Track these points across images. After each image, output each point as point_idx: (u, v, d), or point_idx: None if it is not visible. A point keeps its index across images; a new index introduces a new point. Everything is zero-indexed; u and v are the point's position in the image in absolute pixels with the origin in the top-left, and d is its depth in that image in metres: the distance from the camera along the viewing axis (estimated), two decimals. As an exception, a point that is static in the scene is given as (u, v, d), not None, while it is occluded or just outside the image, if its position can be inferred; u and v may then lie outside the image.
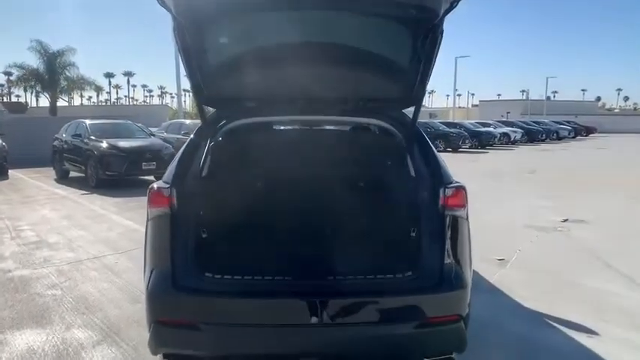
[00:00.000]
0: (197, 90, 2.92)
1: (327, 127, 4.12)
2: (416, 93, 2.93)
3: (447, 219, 2.60)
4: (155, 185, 2.68)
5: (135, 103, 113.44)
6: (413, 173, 2.90)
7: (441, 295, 2.46)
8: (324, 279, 2.55)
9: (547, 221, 7.45)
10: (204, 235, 2.77)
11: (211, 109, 3.28)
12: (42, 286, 4.61)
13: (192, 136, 3.03)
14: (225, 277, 2.50)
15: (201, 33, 2.67)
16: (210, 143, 3.00)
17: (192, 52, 2.69)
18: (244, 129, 3.33)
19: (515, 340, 3.49)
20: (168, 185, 2.64)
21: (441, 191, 2.63)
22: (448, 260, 2.52)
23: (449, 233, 2.58)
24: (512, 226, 7.05)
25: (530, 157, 21.19)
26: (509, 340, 3.49)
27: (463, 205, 2.66)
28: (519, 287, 4.50)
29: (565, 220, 7.50)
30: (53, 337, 3.48)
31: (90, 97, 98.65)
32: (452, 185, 2.68)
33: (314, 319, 2.32)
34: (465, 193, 2.69)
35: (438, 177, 2.74)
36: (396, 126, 3.11)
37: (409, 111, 3.15)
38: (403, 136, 3.06)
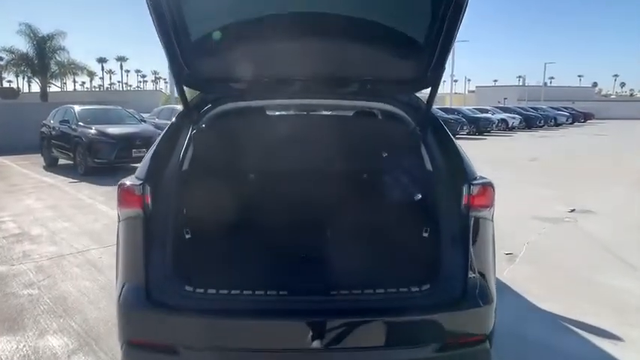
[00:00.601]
0: (176, 68, 2.50)
1: (329, 113, 3.68)
2: (432, 73, 2.52)
3: (472, 221, 2.23)
4: (125, 182, 2.29)
5: (128, 88, 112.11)
6: (430, 167, 2.52)
7: (464, 313, 2.10)
8: (326, 294, 2.16)
9: (553, 211, 7.16)
10: (183, 242, 2.41)
11: (194, 92, 2.88)
12: (18, 284, 4.26)
13: (170, 123, 2.66)
14: (209, 291, 2.13)
15: None
16: (192, 131, 2.61)
17: (169, 20, 2.27)
18: (233, 114, 2.93)
19: (535, 348, 3.18)
20: (140, 182, 2.24)
21: (465, 189, 2.25)
22: (472, 270, 2.16)
23: (473, 238, 2.21)
24: (519, 217, 6.75)
25: (529, 144, 20.88)
26: (528, 348, 3.17)
27: (490, 204, 2.31)
28: (532, 285, 4.20)
29: (572, 211, 7.23)
30: (24, 346, 3.15)
31: (83, 83, 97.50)
32: (478, 182, 2.30)
33: (315, 343, 1.95)
34: (493, 190, 2.33)
35: (461, 171, 2.35)
36: (408, 111, 2.72)
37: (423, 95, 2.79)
38: (417, 124, 2.68)
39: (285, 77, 2.70)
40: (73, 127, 11.46)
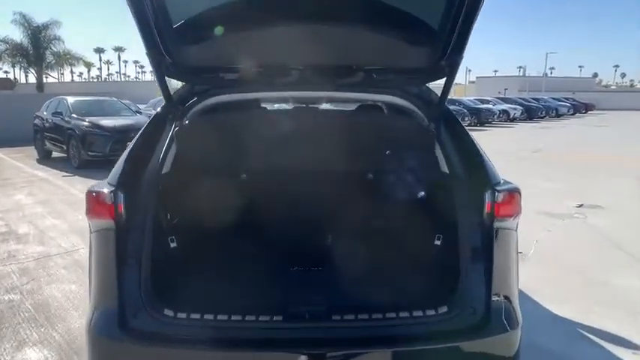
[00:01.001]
0: (155, 57, 2.18)
1: (330, 107, 3.41)
2: (448, 61, 2.23)
3: (496, 233, 1.96)
4: (94, 188, 2.02)
5: (127, 79, 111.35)
6: (446, 169, 2.26)
7: (489, 340, 1.84)
8: (328, 320, 1.89)
9: (561, 206, 6.92)
10: (164, 256, 2.15)
11: (178, 84, 2.60)
12: None
13: (150, 119, 2.39)
14: (193, 316, 1.85)
15: None
16: (174, 128, 2.33)
17: (147, 1, 1.98)
18: (222, 108, 2.64)
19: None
20: (112, 188, 1.96)
21: (488, 195, 1.98)
22: (496, 289, 1.89)
23: (497, 252, 1.95)
24: (526, 213, 6.40)
25: (531, 135, 20.60)
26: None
27: (516, 214, 2.06)
28: (544, 288, 3.96)
29: (580, 206, 6.99)
30: None
31: (81, 74, 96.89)
32: (503, 187, 2.02)
33: None
34: (520, 197, 2.09)
35: (482, 175, 2.08)
36: (419, 105, 2.45)
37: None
38: (430, 119, 2.40)
39: (281, 66, 2.41)
40: (66, 119, 11.19)
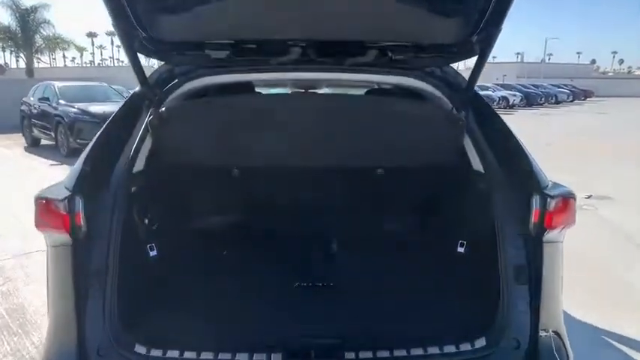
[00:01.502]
0: (126, 30, 1.76)
1: (336, 92, 3.01)
2: (481, 36, 1.82)
3: (544, 248, 1.64)
4: (44, 194, 1.68)
5: (120, 64, 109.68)
6: (481, 168, 1.91)
7: None
8: (339, 358, 1.53)
9: (569, 198, 6.67)
10: (136, 275, 1.81)
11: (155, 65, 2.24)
12: (-27, 291, 3.72)
13: (119, 107, 2.05)
14: (170, 354, 1.52)
15: None
16: (149, 117, 1.98)
17: None
18: (208, 93, 2.28)
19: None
20: (67, 193, 1.61)
21: (536, 201, 1.64)
22: (544, 318, 1.58)
23: (545, 272, 1.63)
24: (533, 205, 6.24)
25: (532, 123, 20.26)
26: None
27: (569, 224, 1.74)
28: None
29: (589, 197, 6.73)
30: (-35, 376, 2.62)
31: (73, 59, 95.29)
32: (555, 192, 1.69)
33: None
34: (575, 203, 1.77)
35: (527, 176, 1.74)
36: (444, 90, 2.09)
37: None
38: (457, 107, 2.05)
39: (278, 42, 2.01)
40: (54, 105, 10.82)
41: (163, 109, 2.04)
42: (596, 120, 21.71)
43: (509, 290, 1.62)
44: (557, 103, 34.69)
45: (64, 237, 1.60)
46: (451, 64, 2.27)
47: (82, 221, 1.60)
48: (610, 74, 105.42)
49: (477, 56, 1.95)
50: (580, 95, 39.93)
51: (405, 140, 2.34)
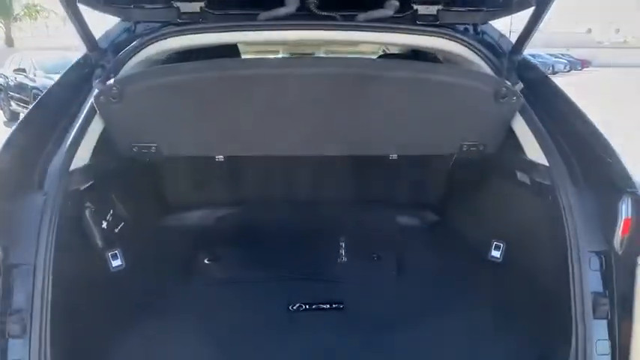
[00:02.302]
0: None
1: (348, 55, 2.47)
2: None
3: (637, 271, 1.24)
4: None
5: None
6: (532, 156, 1.49)
7: None
8: None
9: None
10: (86, 302, 1.40)
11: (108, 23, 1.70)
12: None
13: (56, 80, 1.59)
14: None
15: None
16: (97, 95, 1.50)
17: None
18: (178, 59, 1.80)
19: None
20: None
21: (627, 207, 1.23)
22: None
23: (637, 304, 1.22)
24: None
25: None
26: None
27: None
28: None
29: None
30: None
31: (57, 28, 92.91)
32: None
33: None
34: None
35: (609, 172, 1.33)
36: (483, 53, 1.67)
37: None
38: (503, 77, 1.63)
39: None
40: (31, 76, 10.30)
41: (115, 84, 1.53)
42: (598, 92, 21.33)
43: (585, 327, 1.21)
44: (554, 73, 34.23)
45: None
46: (494, 20, 1.80)
47: None
48: (606, 44, 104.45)
49: (534, 7, 1.51)
50: (577, 65, 39.70)
51: (432, 119, 1.84)
